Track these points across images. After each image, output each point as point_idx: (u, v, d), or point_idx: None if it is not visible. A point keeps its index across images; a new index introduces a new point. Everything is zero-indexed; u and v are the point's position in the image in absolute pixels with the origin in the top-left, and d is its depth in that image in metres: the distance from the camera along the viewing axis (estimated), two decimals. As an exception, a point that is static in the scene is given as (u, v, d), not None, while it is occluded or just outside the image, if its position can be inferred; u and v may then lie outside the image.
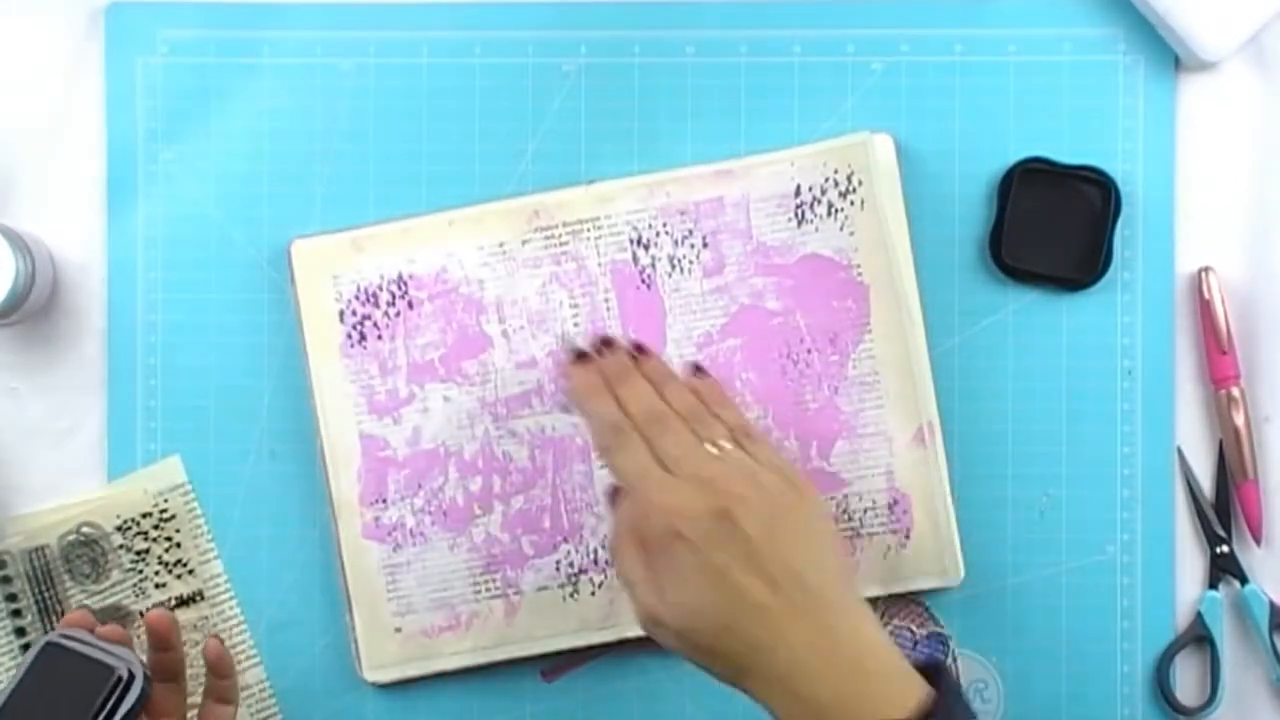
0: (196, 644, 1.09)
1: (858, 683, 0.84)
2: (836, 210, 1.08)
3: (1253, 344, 1.09)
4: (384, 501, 1.08)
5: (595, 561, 1.08)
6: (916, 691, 0.84)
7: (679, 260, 1.09)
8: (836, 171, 1.08)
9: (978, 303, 1.10)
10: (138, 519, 1.09)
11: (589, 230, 1.08)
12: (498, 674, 1.09)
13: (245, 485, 1.10)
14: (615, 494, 0.95)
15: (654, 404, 0.95)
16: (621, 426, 0.94)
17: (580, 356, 0.99)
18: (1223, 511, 1.09)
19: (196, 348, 1.11)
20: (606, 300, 1.08)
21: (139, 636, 1.09)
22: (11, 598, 1.09)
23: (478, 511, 1.09)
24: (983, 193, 1.10)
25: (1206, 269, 1.08)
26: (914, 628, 1.09)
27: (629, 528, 0.90)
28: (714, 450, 0.92)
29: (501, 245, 1.08)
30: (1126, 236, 1.09)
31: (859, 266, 1.08)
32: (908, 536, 1.08)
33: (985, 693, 1.09)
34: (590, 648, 1.09)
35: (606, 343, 1.00)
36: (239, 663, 1.10)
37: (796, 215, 1.08)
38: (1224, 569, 1.09)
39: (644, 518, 0.89)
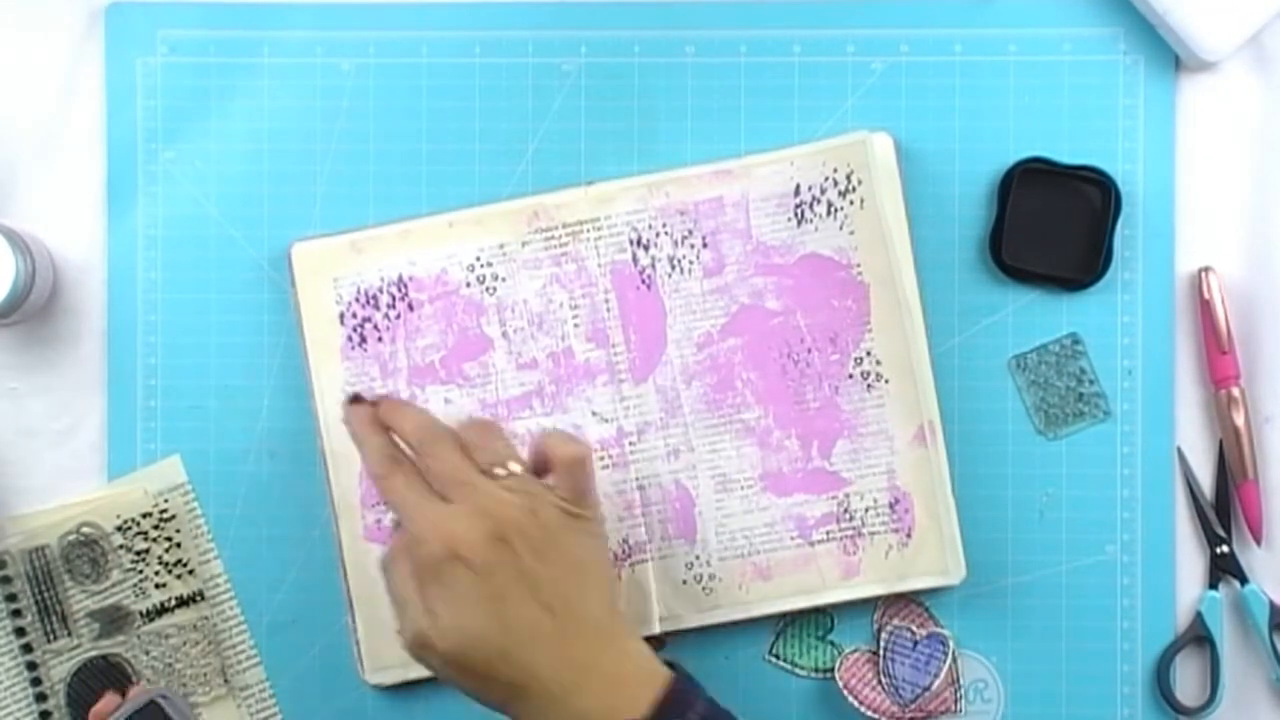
0: (196, 644, 1.09)
1: (616, 691, 0.89)
2: (836, 209, 1.08)
3: (1253, 344, 1.09)
4: (385, 504, 1.08)
5: (596, 562, 1.08)
6: (658, 686, 0.89)
7: (679, 260, 1.08)
8: (835, 170, 1.08)
9: (978, 303, 1.09)
10: (138, 519, 1.09)
11: (589, 231, 1.08)
12: (498, 674, 1.09)
13: (245, 485, 1.10)
14: (396, 527, 0.96)
15: (427, 431, 0.94)
16: (395, 455, 0.94)
17: (355, 400, 0.98)
18: (1223, 511, 1.09)
19: (196, 348, 1.11)
20: (606, 301, 1.08)
21: (138, 638, 1.09)
22: (11, 598, 1.09)
23: (478, 513, 1.09)
24: (983, 193, 1.09)
25: (1206, 269, 1.08)
26: (914, 628, 1.09)
27: (404, 553, 0.90)
28: (488, 477, 0.91)
29: (501, 247, 1.08)
30: (1126, 236, 1.09)
31: (859, 265, 1.08)
32: (909, 535, 1.08)
33: (985, 693, 1.09)
34: (590, 648, 1.09)
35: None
36: (239, 663, 1.10)
37: (796, 215, 1.08)
38: (1224, 569, 1.09)
39: (419, 543, 0.89)
